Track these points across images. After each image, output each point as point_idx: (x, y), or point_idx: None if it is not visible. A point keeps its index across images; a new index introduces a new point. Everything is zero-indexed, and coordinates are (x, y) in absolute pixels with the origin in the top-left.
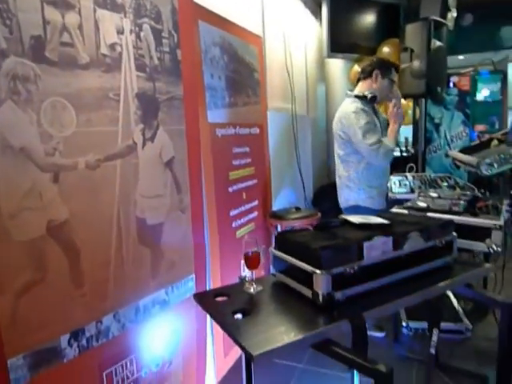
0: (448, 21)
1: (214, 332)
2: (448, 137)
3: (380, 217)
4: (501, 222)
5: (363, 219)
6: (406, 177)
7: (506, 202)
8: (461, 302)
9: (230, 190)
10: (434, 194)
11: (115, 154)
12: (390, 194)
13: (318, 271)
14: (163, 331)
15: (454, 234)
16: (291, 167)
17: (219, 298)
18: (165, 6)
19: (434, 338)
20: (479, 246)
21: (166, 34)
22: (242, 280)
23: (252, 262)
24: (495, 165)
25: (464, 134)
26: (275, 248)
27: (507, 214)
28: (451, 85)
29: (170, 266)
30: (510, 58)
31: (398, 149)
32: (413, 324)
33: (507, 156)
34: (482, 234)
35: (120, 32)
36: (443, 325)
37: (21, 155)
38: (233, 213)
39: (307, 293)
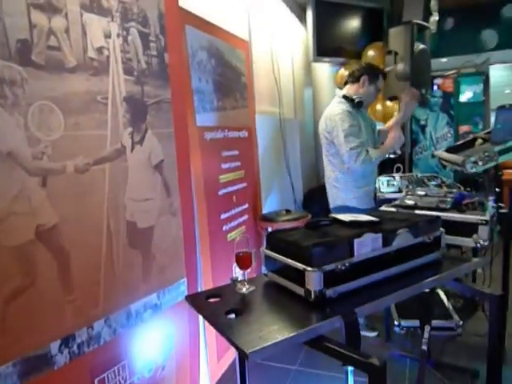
0: (430, 24)
1: (206, 336)
2: (434, 138)
3: (369, 215)
4: (487, 217)
5: (353, 217)
6: (394, 177)
7: (491, 198)
8: (451, 299)
9: (220, 193)
10: (422, 192)
11: (104, 158)
12: (378, 194)
13: (309, 268)
14: (155, 336)
15: (442, 229)
16: (280, 170)
17: (212, 299)
18: (152, 11)
19: (426, 335)
20: (467, 242)
21: (154, 37)
22: (234, 281)
23: (244, 261)
24: (480, 163)
25: (449, 135)
26: (266, 248)
27: (493, 209)
28: (435, 87)
29: (161, 269)
30: (491, 61)
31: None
32: (405, 322)
33: (491, 154)
34: (469, 229)
35: (107, 36)
36: (434, 322)
37: (8, 159)
38: (223, 216)
39: (299, 291)
